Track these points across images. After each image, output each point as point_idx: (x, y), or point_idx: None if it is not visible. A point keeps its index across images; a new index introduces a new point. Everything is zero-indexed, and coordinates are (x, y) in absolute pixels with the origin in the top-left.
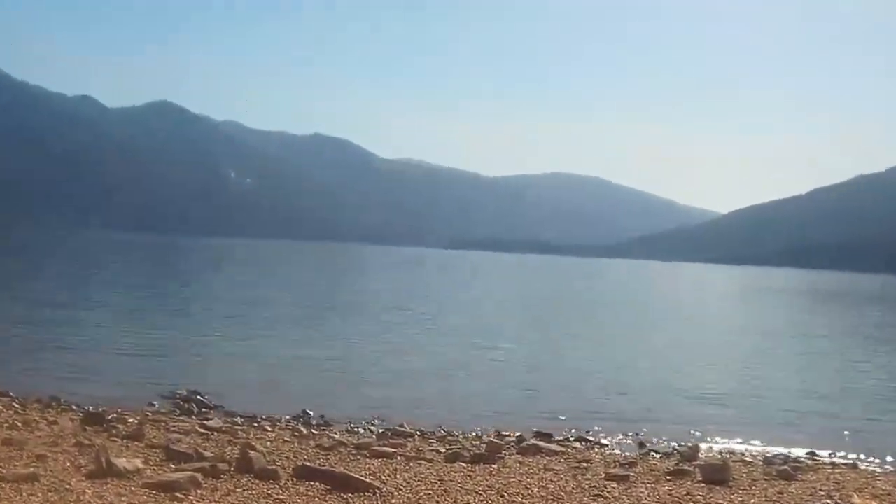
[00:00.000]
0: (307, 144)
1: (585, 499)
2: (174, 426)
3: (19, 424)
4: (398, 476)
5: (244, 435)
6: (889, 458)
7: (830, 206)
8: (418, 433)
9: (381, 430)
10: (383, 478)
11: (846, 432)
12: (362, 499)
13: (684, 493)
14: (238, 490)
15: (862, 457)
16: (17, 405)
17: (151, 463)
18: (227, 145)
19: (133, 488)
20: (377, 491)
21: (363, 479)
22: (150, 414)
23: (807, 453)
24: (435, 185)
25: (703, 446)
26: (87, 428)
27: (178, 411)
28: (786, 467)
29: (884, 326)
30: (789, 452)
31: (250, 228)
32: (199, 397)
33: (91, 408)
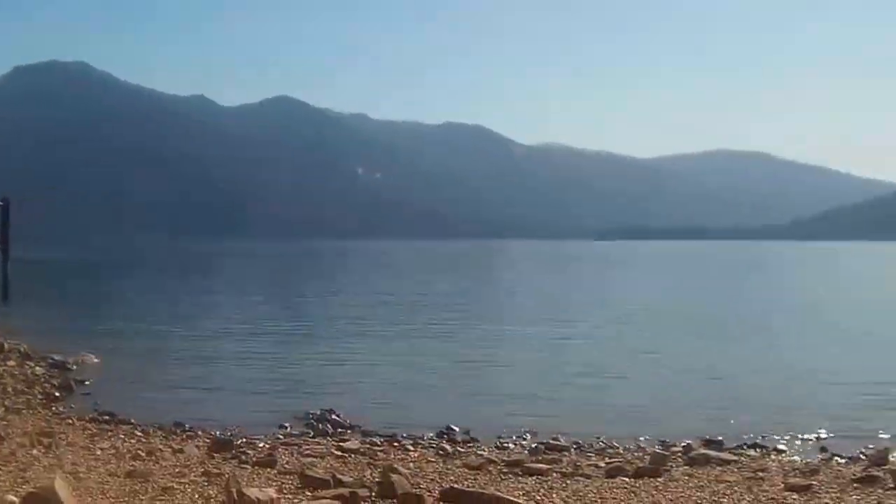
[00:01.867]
0: (439, 134)
1: None
2: (308, 449)
3: (143, 454)
4: (555, 495)
5: (384, 456)
6: None
7: None
8: (574, 446)
9: (533, 445)
10: (538, 497)
11: None
12: None
13: (875, 501)
14: None
15: None
16: (139, 433)
17: (286, 491)
18: (352, 139)
19: None
20: None
21: (516, 499)
22: (281, 437)
23: None
24: (579, 170)
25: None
26: (215, 455)
27: (312, 433)
28: None
29: None
30: None
31: (382, 228)
32: (334, 417)
33: (218, 433)
